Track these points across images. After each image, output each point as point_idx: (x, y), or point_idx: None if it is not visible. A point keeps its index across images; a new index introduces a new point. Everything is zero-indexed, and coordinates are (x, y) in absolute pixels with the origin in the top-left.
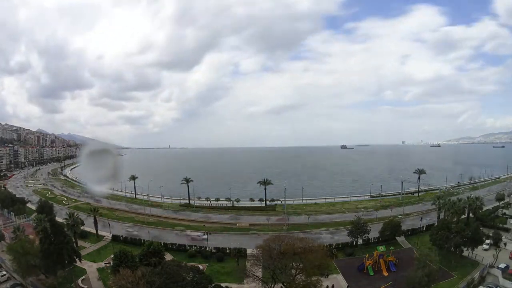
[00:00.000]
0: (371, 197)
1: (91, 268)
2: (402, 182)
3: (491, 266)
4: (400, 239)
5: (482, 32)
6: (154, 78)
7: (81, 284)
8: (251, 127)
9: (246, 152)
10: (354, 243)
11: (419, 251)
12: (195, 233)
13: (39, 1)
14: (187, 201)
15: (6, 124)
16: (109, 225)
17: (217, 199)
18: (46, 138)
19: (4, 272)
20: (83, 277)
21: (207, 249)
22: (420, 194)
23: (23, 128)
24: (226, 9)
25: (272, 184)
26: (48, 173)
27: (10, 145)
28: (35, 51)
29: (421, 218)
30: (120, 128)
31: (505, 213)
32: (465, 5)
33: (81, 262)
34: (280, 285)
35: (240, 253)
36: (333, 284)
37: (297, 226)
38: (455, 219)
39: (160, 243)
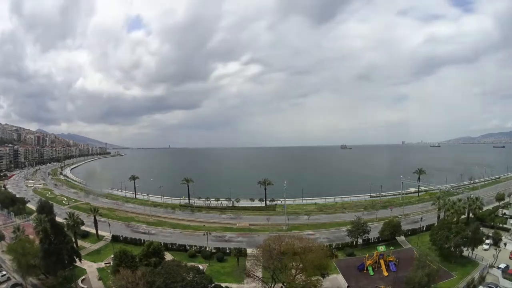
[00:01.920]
0: (371, 197)
1: (91, 268)
2: (402, 182)
3: (491, 266)
4: (400, 239)
5: None
6: None
7: (81, 284)
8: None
9: (247, 152)
10: (354, 243)
11: (419, 251)
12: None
13: None
14: (187, 201)
15: (6, 124)
16: (109, 225)
17: (217, 199)
18: (46, 138)
19: (4, 272)
20: (83, 277)
21: (207, 249)
22: (420, 194)
23: (23, 128)
24: None
25: (272, 184)
26: (48, 173)
27: (10, 145)
28: None
29: (421, 218)
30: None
31: (505, 213)
32: None
33: (81, 262)
34: (280, 285)
35: (240, 253)
36: None
37: (297, 226)
38: (455, 219)
39: (160, 243)
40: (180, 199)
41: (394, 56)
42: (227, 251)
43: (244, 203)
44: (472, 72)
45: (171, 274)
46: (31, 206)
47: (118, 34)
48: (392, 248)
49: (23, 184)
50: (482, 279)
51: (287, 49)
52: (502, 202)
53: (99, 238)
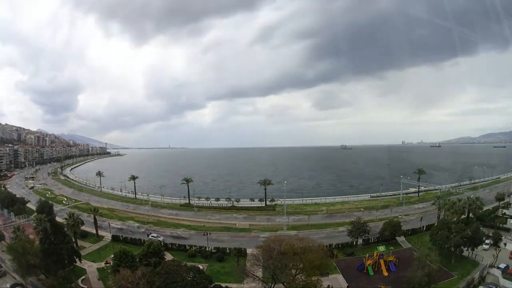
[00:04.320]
0: (371, 197)
1: (91, 268)
2: (402, 182)
3: (491, 266)
4: (400, 239)
5: None
6: None
7: (81, 284)
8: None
9: (246, 153)
10: (354, 243)
11: (419, 251)
12: None
13: None
14: (187, 201)
15: (6, 124)
16: (109, 225)
17: (217, 199)
18: (46, 138)
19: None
20: (83, 277)
21: (207, 249)
22: (420, 194)
23: (23, 128)
24: None
25: (272, 184)
26: (48, 173)
27: (10, 145)
28: None
29: (421, 218)
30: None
31: (505, 213)
32: None
33: (81, 262)
34: (280, 285)
35: (240, 253)
36: (328, 285)
37: (297, 226)
38: (455, 219)
39: (160, 243)
40: (180, 199)
41: None
42: (227, 251)
43: (244, 203)
44: None
45: (171, 274)
46: (31, 206)
47: None
48: (392, 248)
49: (23, 184)
50: (482, 279)
51: None
52: (502, 202)
53: (99, 238)
